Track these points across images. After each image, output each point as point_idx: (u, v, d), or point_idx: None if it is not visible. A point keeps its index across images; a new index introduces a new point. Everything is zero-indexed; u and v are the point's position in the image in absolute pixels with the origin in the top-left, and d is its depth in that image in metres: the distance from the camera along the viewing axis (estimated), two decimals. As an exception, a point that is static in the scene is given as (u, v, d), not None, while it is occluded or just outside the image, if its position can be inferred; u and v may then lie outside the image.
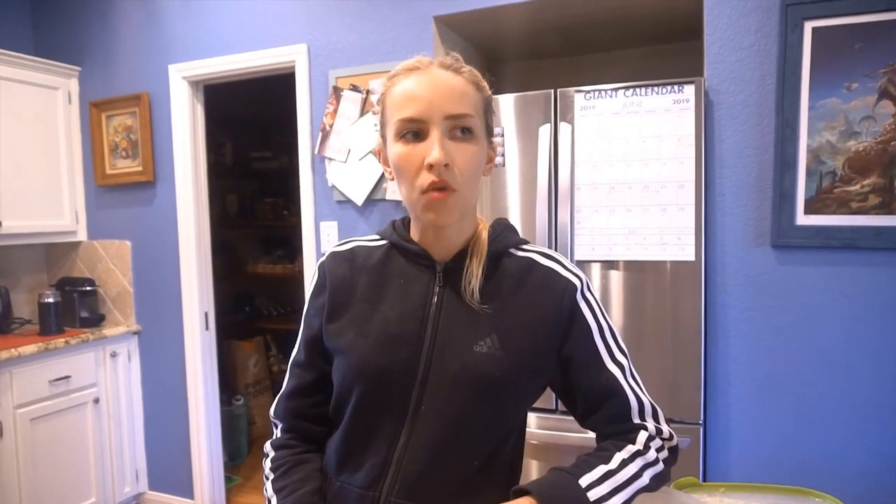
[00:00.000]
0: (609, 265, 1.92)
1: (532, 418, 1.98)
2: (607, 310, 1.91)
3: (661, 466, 0.87)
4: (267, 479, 0.93)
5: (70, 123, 3.02)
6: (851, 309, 1.78)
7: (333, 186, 2.51)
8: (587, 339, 0.89)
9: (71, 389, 2.72)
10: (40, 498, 2.58)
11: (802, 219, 1.81)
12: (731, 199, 1.90)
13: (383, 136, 0.89)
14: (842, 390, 1.80)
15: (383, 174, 0.87)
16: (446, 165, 0.80)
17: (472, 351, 0.84)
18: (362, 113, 2.41)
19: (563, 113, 1.94)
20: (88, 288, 3.01)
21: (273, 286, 4.55)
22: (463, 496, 0.83)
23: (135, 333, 3.05)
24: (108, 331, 2.91)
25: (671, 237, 1.85)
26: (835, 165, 1.76)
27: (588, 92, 1.91)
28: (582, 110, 1.92)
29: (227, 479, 3.18)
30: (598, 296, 0.93)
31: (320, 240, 2.57)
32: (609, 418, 0.89)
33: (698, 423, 1.84)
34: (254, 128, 4.44)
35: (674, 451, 0.91)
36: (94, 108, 3.02)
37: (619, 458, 0.84)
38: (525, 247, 0.93)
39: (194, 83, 2.84)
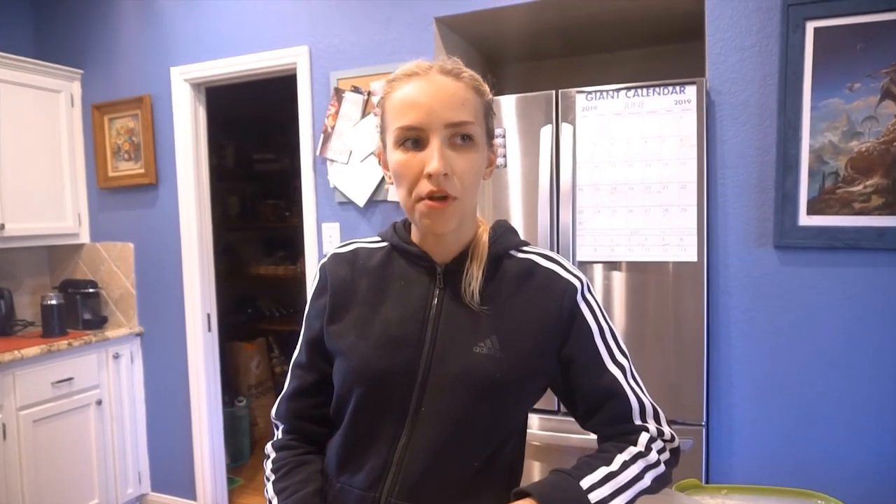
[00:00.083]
0: (611, 266, 1.92)
1: (534, 420, 1.98)
2: (609, 311, 1.91)
3: (662, 468, 0.86)
4: (268, 480, 0.93)
5: (72, 126, 3.03)
6: (854, 310, 1.78)
7: (335, 188, 2.51)
8: (588, 340, 0.88)
9: (74, 391, 2.73)
10: (43, 500, 2.59)
11: (805, 219, 1.81)
12: (733, 199, 1.90)
13: (383, 141, 0.89)
14: (844, 391, 1.80)
15: (384, 176, 0.87)
16: (445, 175, 0.80)
17: (473, 352, 0.84)
18: (364, 114, 2.41)
19: (564, 114, 1.94)
20: (91, 290, 3.02)
21: (275, 287, 4.55)
22: (463, 497, 0.83)
23: (137, 335, 3.05)
24: (110, 332, 2.92)
25: (673, 238, 1.84)
26: (837, 166, 1.76)
27: (589, 93, 1.90)
28: (583, 111, 1.92)
29: (230, 481, 3.18)
30: (599, 297, 0.93)
31: (322, 241, 2.57)
32: (610, 420, 0.89)
33: (701, 425, 1.84)
34: (255, 130, 4.45)
35: (675, 452, 0.91)
36: (97, 111, 3.02)
37: (620, 459, 0.83)
38: (525, 248, 0.93)
39: (196, 85, 2.85)
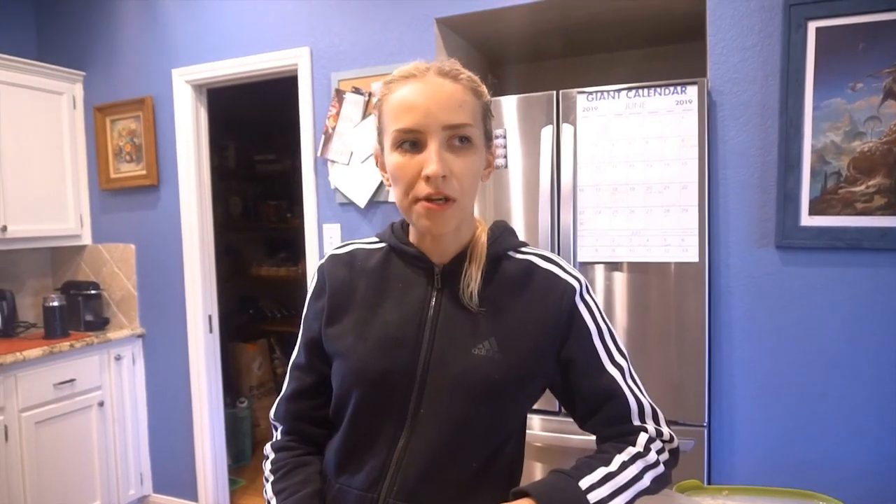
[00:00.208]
0: (612, 267, 1.92)
1: (535, 420, 1.97)
2: (611, 312, 1.91)
3: (661, 468, 0.86)
4: (267, 480, 0.93)
5: (74, 128, 3.04)
6: (855, 310, 1.77)
7: (336, 189, 2.51)
8: (586, 341, 0.88)
9: (75, 393, 2.73)
10: (45, 501, 2.59)
11: (807, 220, 1.80)
12: (735, 199, 1.89)
13: (380, 144, 0.89)
14: (845, 391, 1.79)
15: (382, 178, 0.87)
16: (444, 177, 0.79)
17: (471, 354, 0.84)
18: (364, 115, 2.41)
19: (565, 114, 1.93)
20: (93, 291, 3.02)
21: (277, 288, 4.56)
22: (462, 498, 0.83)
23: (139, 336, 3.05)
24: (112, 334, 2.92)
25: (674, 238, 1.84)
26: (839, 166, 1.75)
27: (590, 93, 1.90)
28: (584, 111, 1.91)
29: (232, 482, 3.18)
30: (600, 298, 0.92)
31: (323, 242, 2.57)
32: (609, 420, 0.89)
33: (703, 425, 1.83)
34: (257, 131, 4.46)
35: (674, 453, 0.90)
36: (99, 113, 3.03)
37: (619, 460, 0.83)
38: (524, 249, 0.93)
39: (197, 87, 2.85)
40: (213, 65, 2.74)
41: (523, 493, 0.78)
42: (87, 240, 3.12)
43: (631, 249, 1.89)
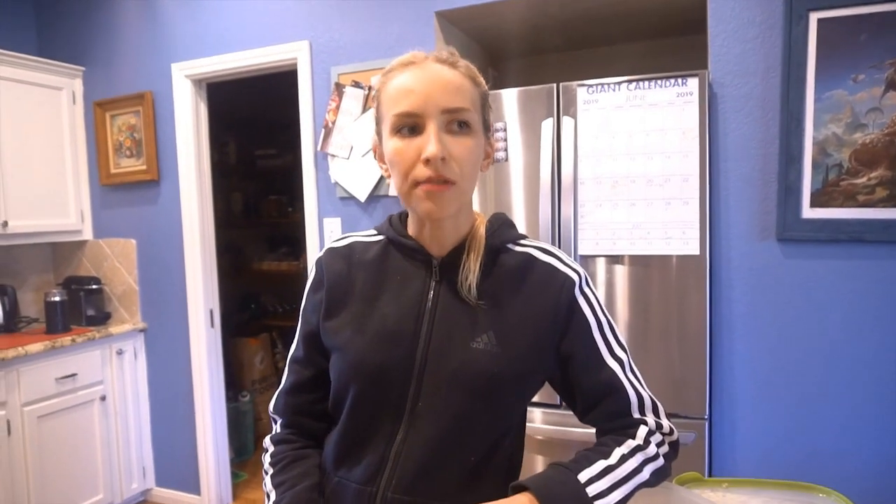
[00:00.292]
0: (613, 260, 1.91)
1: (537, 413, 1.98)
2: (612, 305, 1.91)
3: (661, 461, 0.86)
4: (266, 473, 0.93)
5: (74, 123, 3.04)
6: (857, 303, 1.77)
7: (336, 183, 2.50)
8: (586, 334, 0.88)
9: (77, 387, 2.74)
10: (48, 494, 2.60)
11: (808, 212, 1.80)
12: (736, 192, 1.89)
13: (379, 134, 0.88)
14: (847, 385, 1.79)
15: (380, 168, 0.86)
16: (443, 159, 0.79)
17: (469, 347, 0.84)
18: (364, 109, 2.41)
19: (565, 107, 1.93)
20: (94, 286, 3.03)
21: (278, 283, 4.56)
22: (461, 492, 0.83)
23: (141, 331, 3.06)
24: (114, 329, 2.93)
25: (675, 231, 1.83)
26: (841, 158, 1.75)
27: (591, 86, 1.89)
28: (585, 104, 1.90)
29: (234, 475, 3.19)
30: (601, 291, 0.92)
31: (324, 236, 2.57)
32: (609, 414, 0.89)
33: (703, 418, 1.83)
34: (258, 126, 4.45)
35: (674, 445, 0.90)
36: (98, 108, 3.03)
37: (618, 453, 0.83)
38: (523, 242, 0.93)
39: (197, 81, 2.85)
40: (212, 59, 2.73)
41: (522, 487, 0.78)
42: (87, 235, 3.12)
43: (632, 242, 1.88)
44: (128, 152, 3.00)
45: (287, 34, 2.58)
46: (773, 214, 1.84)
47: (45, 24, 3.19)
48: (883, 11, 1.66)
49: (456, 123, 0.81)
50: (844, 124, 1.73)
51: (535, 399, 1.91)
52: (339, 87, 2.45)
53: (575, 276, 0.88)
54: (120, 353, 2.95)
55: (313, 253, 2.61)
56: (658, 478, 0.86)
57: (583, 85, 1.90)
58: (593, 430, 0.93)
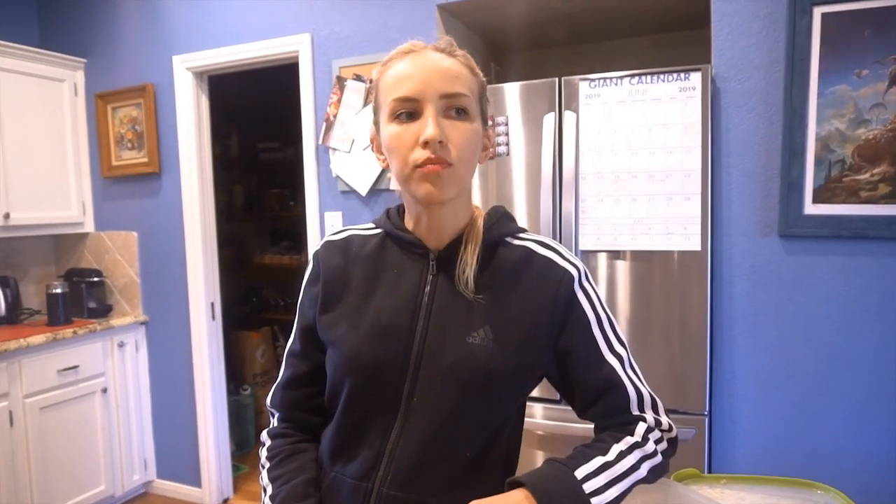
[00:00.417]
0: (614, 255, 1.91)
1: (537, 408, 1.98)
2: (613, 300, 1.90)
3: (659, 458, 0.85)
4: (263, 467, 0.93)
5: (76, 115, 3.03)
6: (859, 300, 1.76)
7: (338, 177, 2.50)
8: (585, 330, 0.87)
9: (79, 379, 2.75)
10: (50, 486, 2.62)
11: (811, 208, 1.79)
12: (738, 188, 1.88)
13: (376, 123, 0.88)
14: (848, 382, 1.78)
15: (378, 160, 0.86)
16: (441, 143, 0.78)
17: (466, 342, 0.83)
18: (366, 103, 2.40)
19: (567, 101, 1.92)
20: (96, 279, 3.04)
21: (280, 277, 4.56)
22: (456, 487, 0.83)
23: (142, 324, 3.07)
24: (115, 321, 2.93)
25: (677, 227, 1.83)
26: (844, 154, 1.74)
27: (593, 80, 1.88)
28: (587, 98, 1.90)
29: (235, 468, 3.20)
30: (602, 286, 0.91)
31: (325, 230, 2.57)
32: (608, 410, 0.88)
33: (704, 414, 1.83)
34: (260, 119, 4.45)
35: (673, 442, 0.90)
36: (100, 100, 3.02)
37: (616, 449, 0.82)
38: (522, 235, 0.92)
39: (198, 74, 2.84)
40: (213, 52, 2.72)
41: (518, 483, 0.78)
42: (89, 227, 3.13)
43: (633, 238, 1.88)
44: (129, 145, 2.99)
45: (288, 27, 2.57)
46: (775, 210, 1.83)
47: (46, 16, 3.18)
48: (887, 6, 1.65)
49: (454, 109, 0.81)
50: (848, 120, 1.72)
51: (536, 394, 1.92)
52: (341, 81, 2.45)
53: (574, 271, 0.88)
54: (121, 345, 2.96)
55: (314, 247, 2.60)
56: (656, 475, 0.85)
57: (585, 79, 1.89)
58: (593, 426, 0.93)
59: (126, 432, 2.99)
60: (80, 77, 3.05)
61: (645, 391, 0.89)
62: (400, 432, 0.83)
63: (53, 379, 2.63)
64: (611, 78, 1.86)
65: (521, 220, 1.99)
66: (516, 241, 0.91)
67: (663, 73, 1.81)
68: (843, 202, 1.75)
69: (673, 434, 0.90)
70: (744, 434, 1.91)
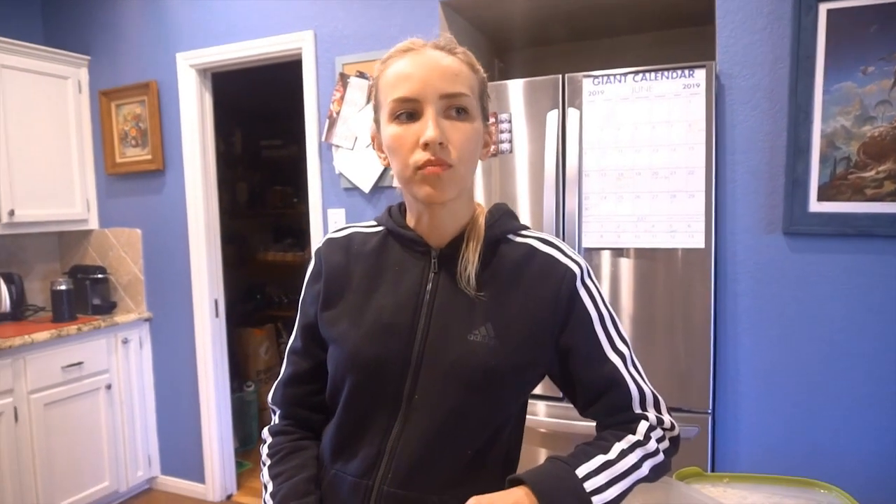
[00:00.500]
0: (618, 253, 1.90)
1: (540, 406, 1.97)
2: (616, 298, 1.90)
3: (661, 457, 0.85)
4: (264, 464, 0.94)
5: (80, 112, 3.04)
6: (864, 298, 1.75)
7: (341, 174, 2.50)
8: (587, 328, 0.87)
9: (83, 375, 2.76)
10: (55, 481, 2.63)
11: (815, 206, 1.78)
12: (742, 185, 1.87)
13: (377, 121, 0.87)
14: (853, 381, 1.78)
15: (378, 158, 0.86)
16: (441, 144, 0.78)
17: (467, 340, 0.83)
18: (368, 100, 2.38)
19: (571, 98, 1.91)
20: (100, 276, 3.05)
21: (284, 274, 4.57)
22: (457, 485, 0.82)
23: (146, 320, 3.07)
24: (119, 318, 2.94)
25: (680, 224, 1.82)
26: (849, 151, 1.72)
27: (596, 77, 1.88)
28: (590, 96, 1.89)
29: (238, 465, 3.21)
30: (605, 284, 0.91)
31: (328, 227, 2.57)
32: (610, 408, 0.88)
33: (707, 412, 1.83)
34: (263, 116, 4.45)
35: (675, 441, 0.89)
36: (104, 97, 3.03)
37: (618, 448, 0.82)
38: (524, 232, 0.91)
39: (202, 71, 2.84)
40: (216, 49, 2.72)
41: (519, 481, 0.77)
42: (93, 224, 3.14)
43: (636, 235, 1.87)
44: (133, 142, 3.00)
45: (292, 24, 2.56)
46: (779, 208, 1.83)
47: (50, 13, 3.18)
48: (893, 2, 1.64)
49: (454, 109, 0.81)
50: (853, 117, 1.71)
51: (539, 392, 1.92)
52: (344, 78, 2.44)
53: (576, 268, 0.87)
54: (125, 342, 2.96)
55: (317, 244, 2.60)
56: (657, 473, 0.85)
57: (588, 76, 1.89)
58: (595, 424, 0.92)
59: (130, 428, 3.00)
60: (84, 74, 3.06)
61: (647, 389, 0.89)
62: (401, 430, 0.83)
63: (58, 375, 2.64)
64: (614, 75, 1.86)
65: (525, 217, 1.98)
66: (518, 239, 0.90)
67: (667, 69, 1.80)
68: (848, 200, 1.74)
69: (675, 432, 0.90)
70: (747, 432, 1.91)
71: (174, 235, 2.96)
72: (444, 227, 0.88)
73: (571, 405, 0.93)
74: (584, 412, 0.91)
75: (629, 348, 0.90)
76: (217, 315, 2.98)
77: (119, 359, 2.94)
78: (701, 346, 1.82)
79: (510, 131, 2.00)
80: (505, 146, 2.01)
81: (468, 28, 2.55)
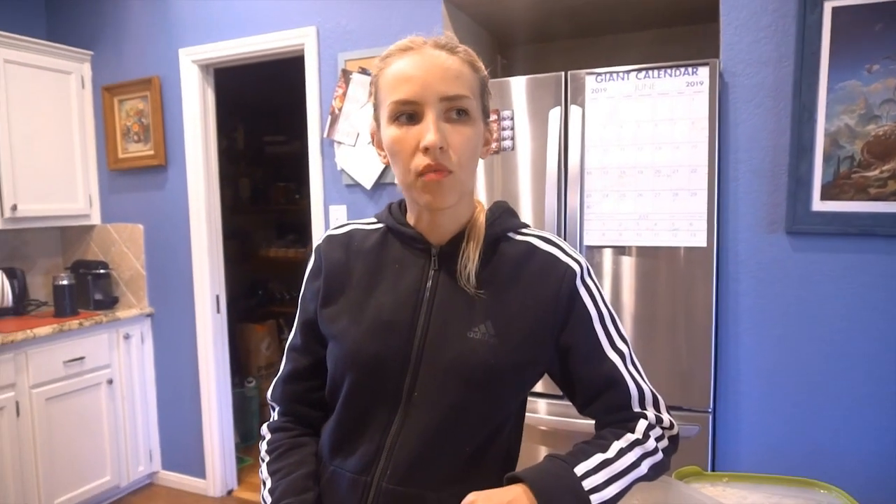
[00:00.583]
0: (620, 251, 1.90)
1: (541, 404, 1.97)
2: (618, 296, 1.89)
3: (660, 456, 0.85)
4: (263, 460, 0.94)
5: (83, 107, 3.04)
6: (867, 298, 1.74)
7: (342, 170, 2.50)
8: (587, 326, 0.87)
9: (85, 370, 2.76)
10: (56, 476, 2.64)
11: (818, 205, 1.77)
12: (745, 184, 1.86)
13: (377, 119, 0.87)
14: (855, 379, 1.77)
15: (379, 155, 0.87)
16: (441, 148, 0.77)
17: (467, 338, 0.83)
18: (370, 96, 2.39)
19: (573, 96, 1.90)
20: (102, 271, 3.05)
21: (286, 270, 4.57)
22: (456, 482, 0.82)
23: (148, 316, 3.08)
24: (121, 313, 2.95)
25: (682, 223, 1.81)
26: (853, 150, 1.72)
27: (599, 74, 1.87)
28: (593, 93, 1.88)
29: (239, 460, 3.22)
30: (607, 282, 0.90)
31: (329, 224, 2.57)
32: (609, 407, 0.88)
33: (708, 412, 1.82)
34: (266, 112, 4.45)
35: (674, 440, 0.89)
36: (107, 93, 3.03)
37: (616, 446, 0.82)
38: (524, 231, 0.91)
39: (204, 67, 2.84)
40: (219, 44, 2.72)
41: (517, 479, 0.77)
42: (96, 219, 3.14)
43: (638, 234, 1.86)
44: (135, 137, 3.00)
45: (294, 20, 2.56)
46: (782, 207, 1.82)
47: (54, 9, 3.18)
48: (900, 0, 1.63)
49: (455, 111, 0.80)
50: (857, 116, 1.70)
51: (539, 389, 1.92)
52: (346, 74, 2.44)
53: (576, 267, 0.87)
54: (127, 337, 2.97)
55: (319, 241, 2.60)
56: (656, 472, 0.85)
57: (591, 73, 1.88)
58: (594, 423, 0.92)
59: (131, 424, 3.00)
60: (86, 69, 3.06)
61: (646, 388, 0.88)
62: (400, 427, 0.83)
63: (60, 370, 2.65)
64: (617, 72, 1.85)
65: (526, 214, 1.98)
66: (518, 237, 0.90)
67: (670, 67, 1.79)
68: (852, 199, 1.73)
69: (674, 431, 0.89)
70: (748, 431, 1.90)
71: (176, 231, 2.96)
72: (445, 225, 0.87)
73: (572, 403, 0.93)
74: (583, 410, 0.91)
75: (629, 347, 0.89)
76: (219, 311, 2.98)
77: (121, 354, 2.94)
78: (702, 344, 1.81)
79: (512, 128, 1.99)
80: (507, 143, 2.00)
81: (471, 24, 2.54)
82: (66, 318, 2.77)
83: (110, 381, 2.88)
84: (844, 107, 1.71)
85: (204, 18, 2.76)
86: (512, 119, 1.99)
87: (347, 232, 0.96)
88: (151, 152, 2.95)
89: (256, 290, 4.48)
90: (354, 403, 0.87)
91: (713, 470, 1.90)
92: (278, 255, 4.44)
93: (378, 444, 0.84)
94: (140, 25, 2.94)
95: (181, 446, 3.10)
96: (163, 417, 3.14)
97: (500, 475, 0.83)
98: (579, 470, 0.78)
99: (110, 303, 3.05)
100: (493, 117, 0.91)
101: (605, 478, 0.78)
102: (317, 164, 2.56)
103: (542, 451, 1.98)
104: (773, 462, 1.87)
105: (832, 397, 1.80)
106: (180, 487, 3.11)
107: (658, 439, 0.86)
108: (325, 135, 2.51)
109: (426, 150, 0.77)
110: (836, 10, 1.70)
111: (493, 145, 0.91)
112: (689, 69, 1.78)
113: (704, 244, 1.80)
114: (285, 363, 0.98)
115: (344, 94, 2.44)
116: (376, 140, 0.89)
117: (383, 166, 2.39)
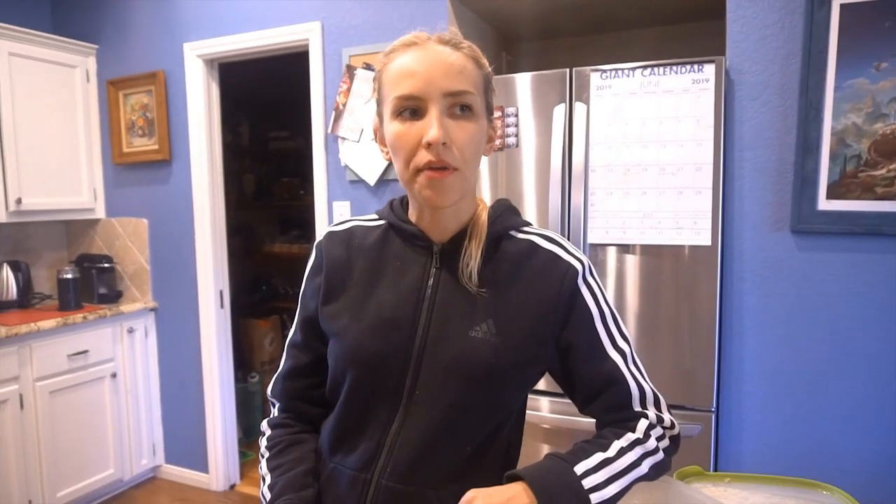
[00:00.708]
0: (623, 249, 1.89)
1: (543, 402, 1.97)
2: (621, 295, 1.89)
3: (661, 455, 0.84)
4: (262, 457, 0.94)
5: (88, 101, 3.04)
6: (872, 298, 1.73)
7: (346, 166, 2.49)
8: (588, 325, 0.86)
9: (89, 364, 2.78)
10: (60, 469, 2.65)
11: (824, 204, 1.76)
12: (750, 182, 1.85)
13: (380, 115, 0.87)
14: (859, 380, 1.76)
15: (381, 151, 0.86)
16: (444, 144, 0.77)
17: (468, 336, 0.82)
18: (374, 92, 2.38)
19: (578, 93, 1.90)
20: (106, 265, 3.06)
21: (290, 266, 4.57)
22: (456, 480, 0.82)
23: (151, 310, 3.09)
24: (125, 307, 2.96)
25: (687, 221, 1.80)
26: (860, 149, 1.70)
27: (604, 71, 1.86)
28: (598, 90, 1.87)
29: (242, 455, 3.23)
30: (610, 280, 0.90)
31: (333, 220, 2.56)
32: (609, 406, 0.87)
33: (710, 411, 1.82)
34: (271, 108, 4.45)
35: (675, 440, 0.89)
36: (112, 87, 3.03)
37: (617, 446, 0.82)
38: (526, 229, 0.91)
39: (209, 61, 2.84)
40: (223, 39, 2.72)
41: (516, 477, 0.77)
42: (100, 213, 3.15)
43: (642, 232, 1.85)
44: (140, 132, 3.00)
45: (299, 15, 2.55)
46: (787, 206, 1.80)
47: (59, 2, 3.19)
48: (909, -3, 1.61)
49: (458, 107, 0.79)
50: (865, 114, 1.68)
51: (542, 387, 1.91)
52: (350, 69, 2.43)
53: (578, 266, 0.86)
54: (131, 331, 2.98)
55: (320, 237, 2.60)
56: (657, 472, 0.84)
57: (596, 70, 1.87)
58: (594, 422, 0.92)
59: (135, 417, 3.02)
60: (91, 63, 3.06)
61: (647, 388, 0.88)
62: (401, 425, 0.83)
63: (63, 363, 2.66)
64: (622, 69, 1.84)
65: (530, 212, 1.97)
66: (520, 235, 0.90)
67: (676, 64, 1.78)
68: (858, 198, 1.71)
69: (675, 431, 0.89)
70: (751, 431, 1.89)
71: (180, 226, 2.97)
72: (447, 223, 0.87)
73: (575, 401, 0.92)
74: (584, 409, 0.91)
75: (630, 346, 0.89)
76: (222, 306, 2.99)
77: (124, 348, 2.95)
78: (706, 343, 1.81)
79: (517, 125, 1.99)
80: (511, 140, 1.99)
81: (476, 20, 2.53)
82: (71, 311, 2.78)
83: (114, 375, 2.89)
84: (852, 105, 1.70)
85: (209, 13, 2.76)
86: (516, 116, 1.98)
87: (348, 228, 0.95)
88: (156, 147, 2.95)
89: (260, 286, 4.48)
90: (355, 401, 0.86)
91: (716, 469, 1.89)
92: (282, 251, 4.45)
93: (378, 441, 0.84)
94: (145, 19, 2.94)
95: (184, 440, 3.11)
96: (166, 411, 3.15)
97: (501, 473, 0.82)
98: (579, 469, 0.78)
99: (114, 297, 3.06)
100: (496, 114, 0.90)
101: (605, 477, 0.78)
102: (321, 159, 2.56)
103: (544, 450, 1.98)
104: (776, 462, 1.86)
105: (837, 396, 1.79)
106: (183, 481, 3.12)
107: (659, 439, 0.85)
108: (329, 130, 2.51)
109: (429, 145, 0.77)
110: (844, 7, 1.68)
111: (497, 142, 0.90)
112: (695, 66, 1.77)
113: (709, 243, 1.79)
114: (285, 360, 0.97)
115: (348, 89, 2.44)
116: (379, 136, 0.88)
117: (387, 163, 2.38)
